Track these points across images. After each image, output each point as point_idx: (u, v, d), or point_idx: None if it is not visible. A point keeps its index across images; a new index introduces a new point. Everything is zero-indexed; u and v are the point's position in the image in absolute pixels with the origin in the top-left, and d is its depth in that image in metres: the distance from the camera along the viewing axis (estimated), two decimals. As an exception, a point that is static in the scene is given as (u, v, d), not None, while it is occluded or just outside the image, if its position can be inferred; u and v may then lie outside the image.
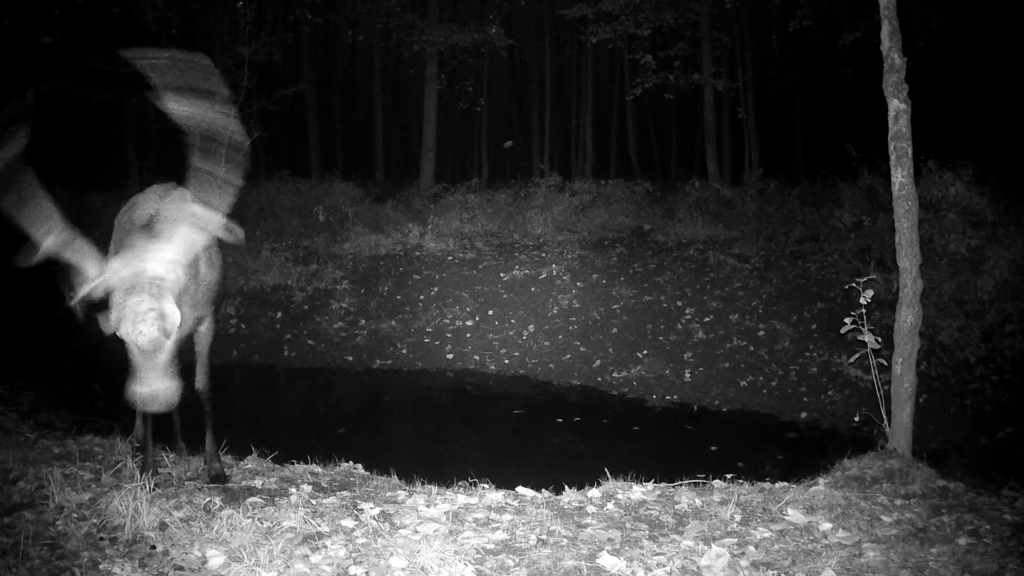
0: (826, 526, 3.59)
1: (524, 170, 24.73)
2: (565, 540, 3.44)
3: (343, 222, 13.68)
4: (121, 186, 17.75)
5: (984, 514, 3.75)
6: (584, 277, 10.96)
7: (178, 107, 3.00)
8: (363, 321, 10.63)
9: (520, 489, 4.26)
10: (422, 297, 11.00)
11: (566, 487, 4.25)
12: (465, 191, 15.31)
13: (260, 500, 3.85)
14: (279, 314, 10.94)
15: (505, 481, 4.62)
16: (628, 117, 22.81)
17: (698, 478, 4.43)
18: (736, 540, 3.44)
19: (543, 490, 4.28)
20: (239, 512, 3.57)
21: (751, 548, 3.35)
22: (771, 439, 7.01)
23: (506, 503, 3.99)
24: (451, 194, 15.28)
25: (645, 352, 9.12)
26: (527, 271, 11.31)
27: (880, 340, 5.42)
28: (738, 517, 3.71)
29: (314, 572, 3.11)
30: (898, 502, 3.94)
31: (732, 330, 9.10)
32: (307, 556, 3.24)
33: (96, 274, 3.01)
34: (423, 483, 4.41)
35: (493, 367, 9.39)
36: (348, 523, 3.59)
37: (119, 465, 4.33)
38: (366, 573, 3.12)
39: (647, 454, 6.65)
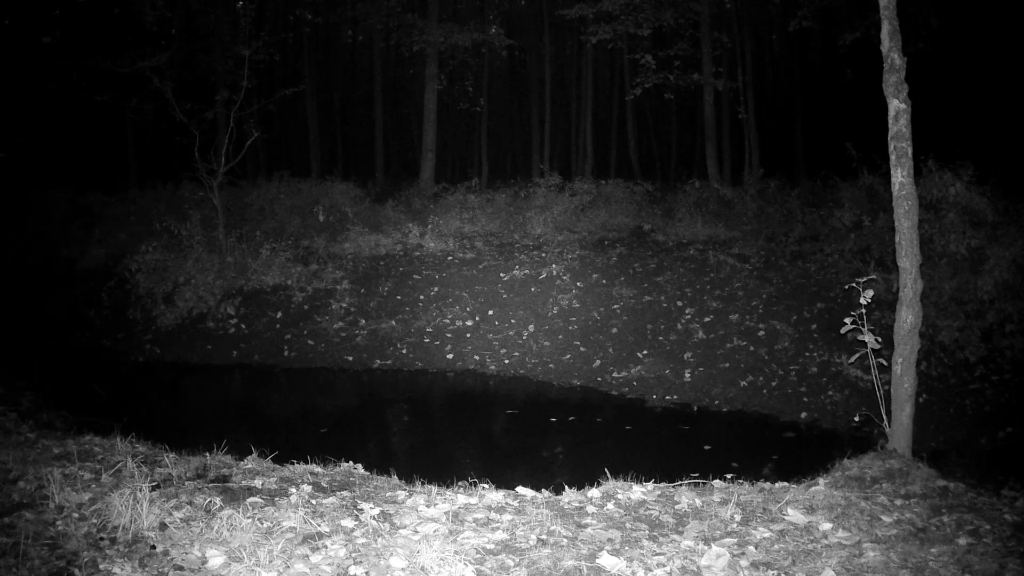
0: (826, 526, 3.58)
1: (524, 170, 24.74)
2: (565, 540, 3.44)
3: (343, 222, 13.68)
4: (121, 186, 17.79)
5: (984, 514, 3.75)
6: (584, 277, 10.96)
7: None
8: (363, 321, 10.63)
9: (520, 489, 4.26)
10: (422, 297, 11.00)
11: (566, 487, 4.25)
12: (465, 191, 15.31)
13: (260, 500, 3.85)
14: (279, 314, 10.94)
15: (505, 481, 4.62)
16: (628, 117, 22.82)
17: (698, 478, 4.43)
18: (736, 540, 3.44)
19: (543, 490, 4.28)
20: (239, 512, 3.57)
21: (751, 548, 3.35)
22: (771, 439, 7.01)
23: (506, 503, 3.98)
24: (451, 194, 15.28)
25: (645, 352, 9.12)
26: (527, 271, 11.31)
27: (880, 340, 5.42)
28: (738, 517, 3.71)
29: (314, 572, 3.11)
30: (898, 502, 3.94)
31: (732, 330, 9.10)
32: (307, 556, 3.23)
33: None
34: (423, 483, 4.41)
35: (493, 367, 9.39)
36: (348, 523, 3.59)
37: (119, 465, 4.33)
38: (366, 573, 3.12)
39: (647, 454, 6.65)
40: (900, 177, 5.03)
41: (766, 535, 3.49)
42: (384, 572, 3.12)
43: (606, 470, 4.41)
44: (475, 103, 23.26)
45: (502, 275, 11.32)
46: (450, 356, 9.72)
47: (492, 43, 20.50)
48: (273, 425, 7.97)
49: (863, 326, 5.23)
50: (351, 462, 4.86)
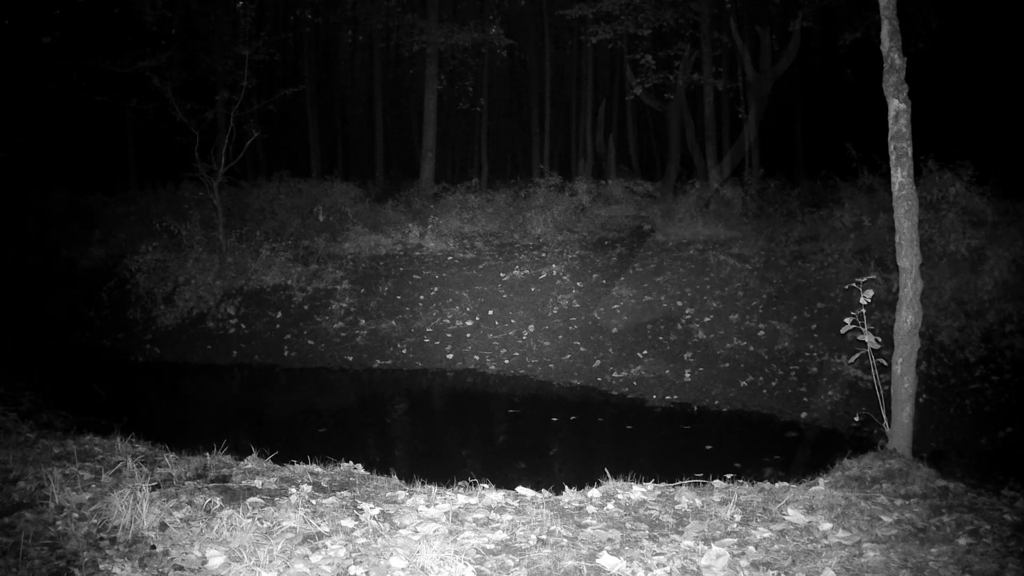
0: (826, 526, 3.58)
1: (524, 170, 24.74)
2: (565, 540, 3.44)
3: (343, 222, 13.68)
4: (121, 186, 17.79)
5: (984, 514, 3.75)
6: (584, 277, 10.96)
7: None
8: (363, 321, 10.63)
9: (520, 489, 4.25)
10: (422, 297, 11.00)
11: (566, 487, 4.24)
12: (465, 191, 15.32)
13: (260, 500, 3.85)
14: (279, 314, 10.94)
15: (505, 481, 4.62)
16: (628, 117, 22.81)
17: (698, 478, 4.43)
18: (736, 540, 3.43)
19: (543, 490, 4.28)
20: (239, 512, 3.57)
21: (751, 548, 3.35)
22: (771, 439, 7.01)
23: (506, 503, 3.98)
24: (451, 194, 15.29)
25: (645, 352, 9.11)
26: (527, 271, 11.31)
27: (880, 340, 5.42)
28: (738, 517, 3.71)
29: (314, 572, 3.11)
30: (898, 502, 3.94)
31: (732, 330, 9.10)
32: (307, 556, 3.23)
33: None
34: (423, 483, 4.41)
35: (493, 367, 9.39)
36: (348, 523, 3.59)
37: (119, 465, 4.33)
38: (366, 573, 3.12)
39: (647, 454, 6.66)
40: (900, 177, 5.03)
41: (766, 535, 3.49)
42: (384, 572, 3.12)
43: (606, 470, 4.41)
44: (475, 103, 23.26)
45: (502, 275, 11.32)
46: (450, 356, 9.72)
47: (492, 43, 20.51)
48: (273, 425, 7.97)
49: (863, 326, 5.23)
50: (351, 462, 4.85)
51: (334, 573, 3.11)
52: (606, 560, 3.21)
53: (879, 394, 5.40)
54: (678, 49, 16.15)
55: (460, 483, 4.47)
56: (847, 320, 5.38)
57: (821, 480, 4.42)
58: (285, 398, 9.06)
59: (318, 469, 4.65)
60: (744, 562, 3.19)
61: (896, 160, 5.04)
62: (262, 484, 4.19)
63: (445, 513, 3.74)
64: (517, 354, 9.57)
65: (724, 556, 3.22)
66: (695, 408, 7.89)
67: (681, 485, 4.26)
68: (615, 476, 4.35)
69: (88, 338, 11.19)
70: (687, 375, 8.53)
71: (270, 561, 3.17)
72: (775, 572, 3.13)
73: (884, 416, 5.22)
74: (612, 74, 25.57)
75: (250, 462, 4.74)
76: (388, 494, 4.10)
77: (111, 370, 9.96)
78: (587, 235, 12.78)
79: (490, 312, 10.49)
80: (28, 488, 3.93)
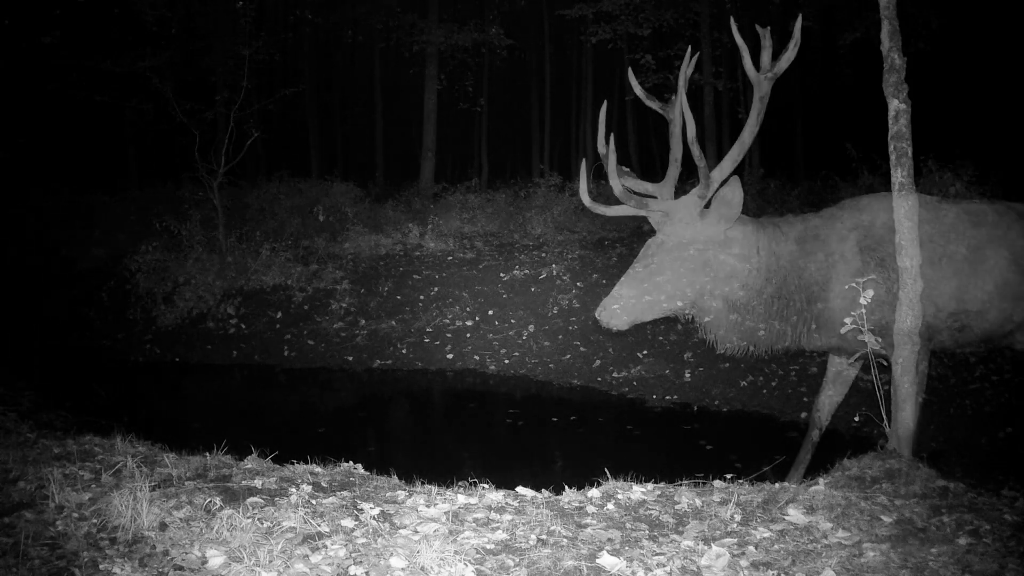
0: (826, 526, 3.58)
1: (524, 170, 24.74)
2: (565, 540, 3.44)
3: (343, 222, 13.69)
4: (121, 186, 17.80)
5: (984, 514, 3.75)
6: (584, 277, 10.95)
7: None
8: (363, 321, 10.63)
9: (520, 489, 4.25)
10: (422, 297, 11.00)
11: (566, 487, 4.24)
12: (465, 191, 15.32)
13: (260, 500, 3.84)
14: (279, 314, 10.94)
15: (505, 481, 4.61)
16: (628, 117, 22.81)
17: (698, 478, 4.42)
18: (736, 540, 3.43)
19: (543, 490, 4.27)
20: (239, 512, 3.57)
21: (751, 548, 3.35)
22: (771, 439, 7.01)
23: (506, 503, 3.98)
24: (451, 194, 15.29)
25: (645, 352, 9.11)
26: (527, 271, 11.31)
27: (880, 340, 5.43)
28: (738, 517, 3.70)
29: (314, 572, 3.11)
30: (898, 502, 3.94)
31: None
32: (307, 556, 3.23)
33: None
34: (423, 483, 4.41)
35: (493, 367, 9.39)
36: (348, 523, 3.59)
37: (119, 465, 4.33)
38: (366, 573, 3.12)
39: (647, 454, 6.66)
40: (900, 177, 5.04)
41: (766, 535, 3.49)
42: (384, 572, 3.12)
43: (606, 470, 4.41)
44: (475, 103, 23.28)
45: (502, 275, 11.32)
46: (450, 356, 9.72)
47: (492, 43, 20.52)
48: (273, 425, 7.97)
49: (863, 326, 5.23)
50: (351, 462, 4.84)
51: (334, 573, 3.11)
52: (606, 560, 3.21)
53: (879, 394, 5.40)
54: (678, 49, 16.15)
55: (460, 483, 4.46)
56: (847, 320, 5.38)
57: (821, 480, 4.41)
58: (285, 398, 9.07)
59: (318, 469, 4.64)
60: (744, 562, 3.19)
61: (896, 160, 5.05)
62: (262, 484, 4.19)
63: (445, 513, 3.74)
64: (517, 354, 9.57)
65: (724, 556, 3.22)
66: (695, 408, 7.89)
67: (681, 485, 4.26)
68: (615, 476, 4.35)
69: (88, 338, 11.20)
70: (687, 375, 8.53)
71: (270, 561, 3.17)
72: (775, 572, 3.13)
73: (884, 416, 5.22)
74: (612, 74, 25.58)
75: (250, 462, 4.74)
76: (388, 494, 4.10)
77: (111, 370, 9.97)
78: (587, 235, 12.78)
79: (490, 312, 10.49)
80: (28, 488, 3.93)
